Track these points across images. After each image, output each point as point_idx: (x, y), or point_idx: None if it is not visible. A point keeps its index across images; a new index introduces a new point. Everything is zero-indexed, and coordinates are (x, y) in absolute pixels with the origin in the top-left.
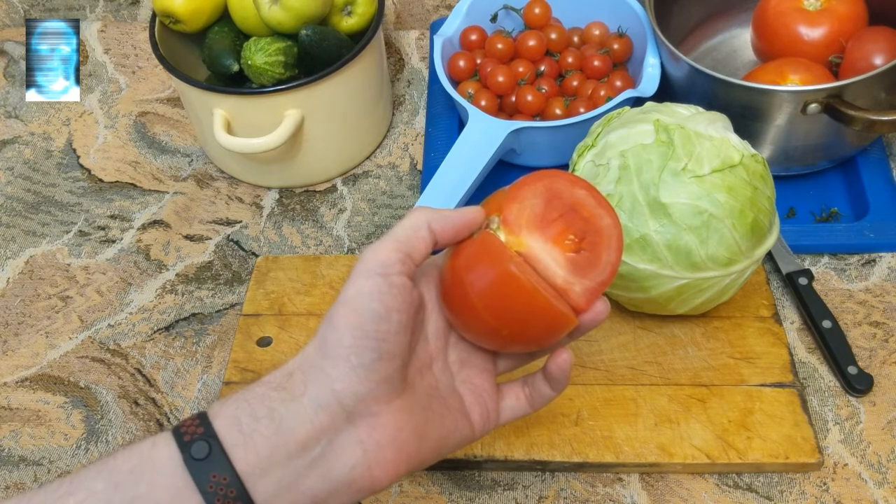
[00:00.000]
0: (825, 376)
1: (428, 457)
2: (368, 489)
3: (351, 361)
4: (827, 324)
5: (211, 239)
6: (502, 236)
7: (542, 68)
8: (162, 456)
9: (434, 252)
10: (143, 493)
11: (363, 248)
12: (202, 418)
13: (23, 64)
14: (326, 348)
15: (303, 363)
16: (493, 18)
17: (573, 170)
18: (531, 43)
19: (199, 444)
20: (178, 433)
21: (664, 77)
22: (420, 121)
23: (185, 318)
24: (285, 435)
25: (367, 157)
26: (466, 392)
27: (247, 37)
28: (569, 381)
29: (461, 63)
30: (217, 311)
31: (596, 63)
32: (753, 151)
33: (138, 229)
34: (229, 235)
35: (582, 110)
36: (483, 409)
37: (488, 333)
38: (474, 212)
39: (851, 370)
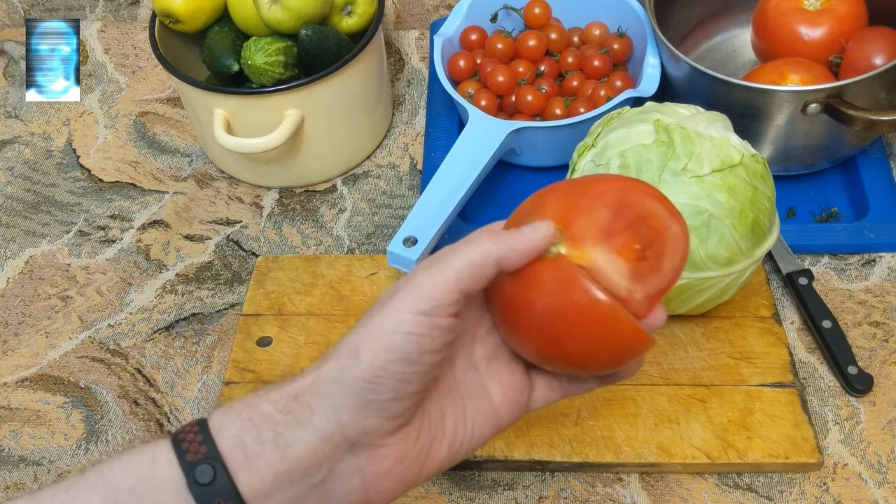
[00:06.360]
0: (825, 376)
1: (432, 474)
2: None
3: (365, 396)
4: (827, 324)
5: (211, 239)
6: (563, 249)
7: (542, 68)
8: (164, 477)
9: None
10: None
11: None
12: (203, 431)
13: (23, 64)
14: (343, 376)
15: (313, 386)
16: (493, 18)
17: (573, 170)
18: (531, 43)
19: (203, 467)
20: (179, 448)
21: (664, 77)
22: (420, 121)
23: (185, 318)
24: (289, 462)
25: (367, 157)
26: (494, 388)
27: (247, 37)
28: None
29: (461, 63)
30: (217, 311)
31: (596, 63)
32: (753, 151)
33: (138, 229)
34: (229, 235)
35: (582, 110)
36: (512, 403)
37: (558, 358)
38: (545, 239)
39: (851, 370)
